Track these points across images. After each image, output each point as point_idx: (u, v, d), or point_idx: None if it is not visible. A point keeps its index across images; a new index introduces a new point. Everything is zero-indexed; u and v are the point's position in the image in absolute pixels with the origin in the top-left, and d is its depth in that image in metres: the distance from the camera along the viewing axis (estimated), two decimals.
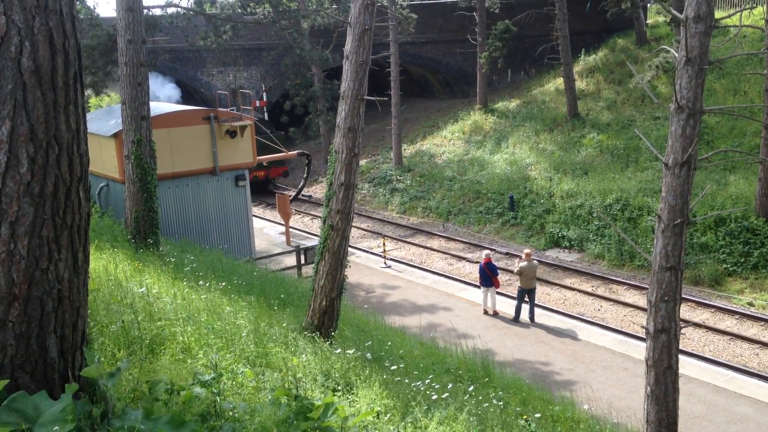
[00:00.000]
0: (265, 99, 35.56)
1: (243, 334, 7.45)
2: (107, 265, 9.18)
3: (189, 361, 5.82)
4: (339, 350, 8.47)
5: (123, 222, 15.61)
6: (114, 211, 17.46)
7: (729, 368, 14.49)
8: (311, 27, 33.98)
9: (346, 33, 10.75)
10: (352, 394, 6.37)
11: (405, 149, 34.43)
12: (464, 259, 22.99)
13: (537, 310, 17.68)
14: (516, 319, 16.96)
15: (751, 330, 16.64)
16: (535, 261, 17.55)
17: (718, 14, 8.34)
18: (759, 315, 17.24)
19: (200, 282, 10.89)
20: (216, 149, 19.12)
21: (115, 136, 17.24)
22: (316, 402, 3.96)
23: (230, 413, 3.97)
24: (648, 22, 37.48)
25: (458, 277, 21.19)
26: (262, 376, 5.83)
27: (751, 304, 17.83)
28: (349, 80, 10.86)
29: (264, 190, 32.87)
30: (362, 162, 34.95)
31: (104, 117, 20.17)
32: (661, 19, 36.91)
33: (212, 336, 6.87)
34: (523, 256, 17.16)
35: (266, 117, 33.86)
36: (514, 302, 17.47)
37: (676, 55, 7.94)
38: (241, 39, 33.88)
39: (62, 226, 3.27)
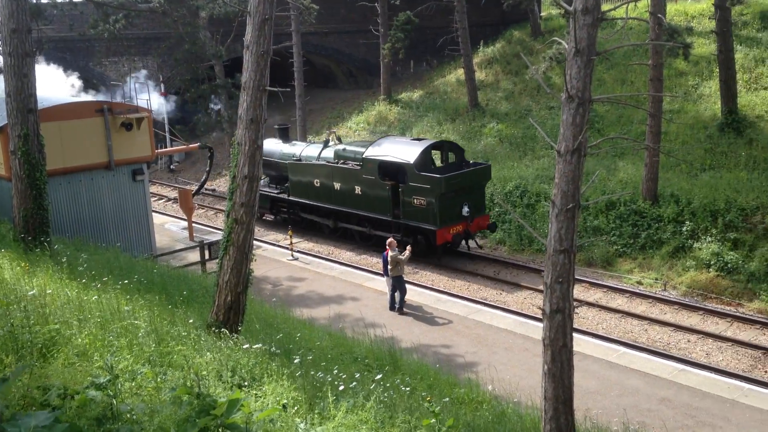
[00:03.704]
0: (163, 90, 34.41)
1: (142, 334, 7.24)
2: None
3: (84, 364, 5.60)
4: (246, 345, 8.37)
5: (10, 221, 14.75)
6: (0, 210, 16.46)
7: (620, 344, 15.35)
8: (210, 16, 33.11)
9: (246, 22, 10.56)
10: (260, 388, 6.33)
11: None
12: (372, 249, 23.16)
13: (443, 296, 18.14)
14: (401, 307, 17.08)
15: (640, 307, 17.67)
16: None
17: (605, 6, 8.76)
18: (647, 293, 18.35)
19: (97, 282, 10.46)
20: (111, 143, 18.35)
21: (0, 130, 16.24)
22: (220, 399, 3.91)
23: (128, 415, 3.85)
24: (542, 14, 38.85)
25: (366, 267, 21.34)
26: (163, 375, 5.69)
27: (639, 283, 18.92)
28: (250, 71, 10.68)
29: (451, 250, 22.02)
30: None
31: None
32: (554, 11, 38.38)
33: (110, 337, 6.63)
34: (391, 244, 17.31)
35: (164, 108, 32.76)
36: (421, 290, 17.79)
37: (567, 46, 8.29)
38: (135, 28, 32.58)
39: None
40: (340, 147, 23.30)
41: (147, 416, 3.88)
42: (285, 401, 5.63)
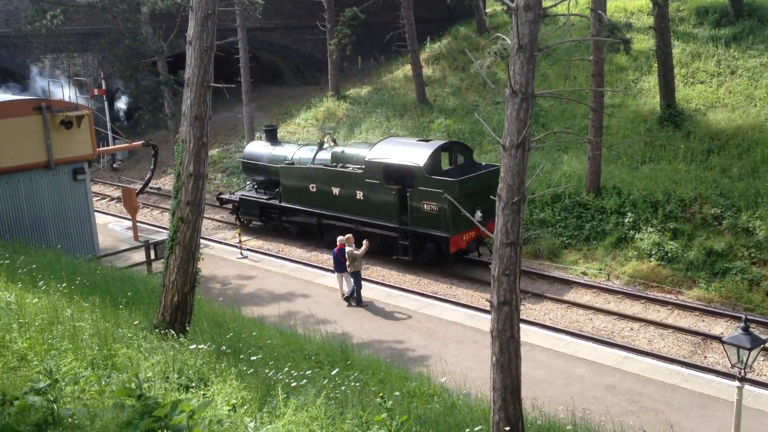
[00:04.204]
0: (103, 87, 33.55)
1: (85, 337, 7.06)
2: None
3: (24, 369, 5.44)
4: (193, 346, 8.25)
5: None
6: None
7: (567, 334, 15.70)
8: (152, 12, 32.41)
9: (189, 18, 10.39)
10: (207, 389, 6.24)
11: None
12: (322, 245, 23.09)
13: (394, 291, 18.28)
14: (360, 302, 17.22)
15: (586, 297, 18.10)
16: None
17: (547, 3, 8.93)
18: (591, 283, 18.80)
19: (37, 285, 10.15)
20: (50, 141, 17.80)
21: None
22: (163, 401, 3.85)
23: (69, 420, 3.76)
24: (487, 11, 39.29)
25: (316, 264, 21.28)
26: (107, 379, 5.57)
27: (584, 274, 19.37)
28: (193, 67, 10.51)
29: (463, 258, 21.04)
30: (214, 151, 34.02)
31: None
32: (499, 7, 38.87)
33: (51, 341, 6.45)
34: (349, 240, 17.42)
35: (105, 106, 31.97)
36: (372, 285, 17.85)
37: (510, 42, 8.41)
38: (74, 23, 31.62)
39: None
40: (338, 149, 21.96)
41: (89, 420, 3.79)
42: (234, 401, 5.58)
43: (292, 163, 22.84)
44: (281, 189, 23.03)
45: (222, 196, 26.02)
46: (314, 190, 21.82)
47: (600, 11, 20.41)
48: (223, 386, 6.08)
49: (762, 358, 14.29)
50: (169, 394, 5.29)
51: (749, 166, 21.29)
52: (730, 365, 8.67)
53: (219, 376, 6.49)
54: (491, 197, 19.22)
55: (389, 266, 20.73)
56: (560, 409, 11.10)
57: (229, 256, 21.32)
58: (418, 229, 19.46)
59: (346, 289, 17.73)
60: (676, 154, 23.08)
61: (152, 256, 19.33)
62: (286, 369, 8.19)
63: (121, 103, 34.32)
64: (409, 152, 19.70)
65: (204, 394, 5.84)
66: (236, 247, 21.88)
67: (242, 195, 24.79)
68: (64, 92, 26.36)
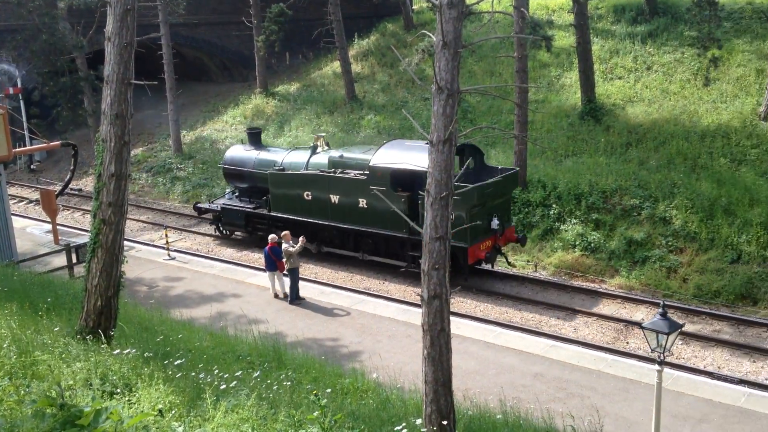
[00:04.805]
0: (19, 85, 32.08)
1: (4, 346, 6.77)
2: None
3: None
4: (118, 351, 8.02)
5: None
6: None
7: (497, 325, 16.04)
8: (69, 7, 31.20)
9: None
10: (134, 395, 6.08)
11: (184, 136, 33.14)
12: (253, 244, 22.81)
13: (327, 288, 18.25)
14: (298, 299, 17.18)
15: (515, 289, 18.53)
16: None
17: (470, 0, 9.07)
18: (519, 274, 19.27)
19: None
20: None
21: None
22: (86, 409, 3.73)
23: None
24: (414, 7, 39.59)
25: (247, 263, 21.00)
26: (27, 388, 5.35)
27: (512, 265, 19.81)
28: (113, 63, 10.19)
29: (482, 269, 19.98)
30: (137, 150, 33.08)
31: None
32: (425, 4, 39.22)
33: None
34: (286, 237, 17.37)
35: (22, 105, 30.59)
36: (304, 283, 17.76)
37: (435, 39, 8.51)
38: None
39: None
40: (336, 154, 20.17)
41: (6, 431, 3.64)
42: (161, 406, 5.45)
43: (283, 169, 20.96)
44: (270, 197, 21.12)
45: (200, 206, 23.98)
46: (309, 198, 19.99)
47: (523, 9, 20.88)
48: (149, 391, 5.93)
49: (680, 342, 14.98)
50: (92, 402, 5.12)
51: (665, 158, 22.25)
52: (650, 350, 9.04)
53: (145, 381, 6.33)
54: (505, 203, 18.50)
55: (322, 263, 20.67)
56: (491, 398, 11.35)
57: (155, 258, 20.79)
58: None
59: (278, 288, 17.59)
60: (597, 148, 23.88)
61: (74, 260, 18.66)
62: (217, 371, 8.07)
63: (38, 101, 32.91)
64: (420, 156, 17.57)
65: (129, 400, 5.69)
66: (163, 248, 21.35)
67: (224, 204, 22.83)
68: None
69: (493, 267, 18.99)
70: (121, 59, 10.08)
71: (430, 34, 9.59)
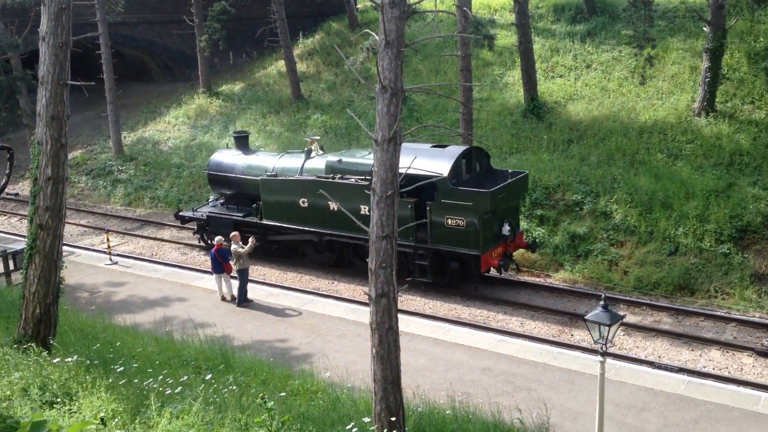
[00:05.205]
0: None
1: None
2: None
3: None
4: (58, 359, 7.79)
5: None
6: None
7: (446, 321, 16.20)
8: (2, 5, 30.10)
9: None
10: (74, 403, 5.92)
11: (125, 137, 32.37)
12: (198, 247, 22.45)
13: (275, 290, 18.13)
14: (246, 301, 17.03)
15: (463, 286, 18.71)
16: None
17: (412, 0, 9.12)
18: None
19: None
20: None
21: None
22: (24, 420, 3.60)
23: None
24: (359, 6, 39.58)
25: (193, 266, 20.66)
26: None
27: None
28: (48, 64, 9.92)
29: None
30: (76, 153, 32.18)
31: None
32: (369, 3, 39.25)
33: None
34: (235, 237, 17.21)
35: None
36: (252, 285, 17.58)
37: (378, 39, 8.54)
38: None
39: None
40: (333, 158, 19.13)
41: None
42: (103, 414, 5.32)
43: (275, 175, 19.85)
44: (262, 204, 20.10)
45: (182, 214, 22.33)
46: (305, 205, 19.03)
47: (465, 8, 21.12)
48: (90, 399, 5.78)
49: (622, 333, 15.41)
50: (31, 413, 4.96)
51: (605, 154, 22.81)
52: (593, 341, 9.27)
53: (86, 389, 6.16)
54: (515, 208, 18.02)
55: (270, 264, 20.49)
56: (441, 394, 11.46)
57: (97, 263, 20.26)
58: (441, 247, 17.24)
59: (226, 291, 17.37)
60: (540, 145, 24.33)
61: (11, 267, 18.03)
62: (162, 377, 7.91)
63: None
64: (426, 160, 16.80)
65: (70, 409, 5.53)
66: (105, 252, 20.83)
67: (211, 212, 21.52)
68: None
69: (501, 273, 18.50)
70: (56, 59, 9.82)
71: (374, 34, 9.62)
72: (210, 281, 18.10)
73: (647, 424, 11.26)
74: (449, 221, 17.02)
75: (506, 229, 17.39)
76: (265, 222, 20.12)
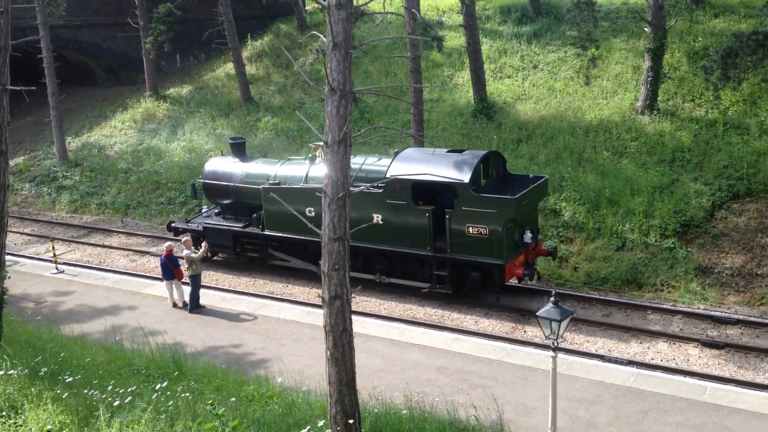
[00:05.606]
0: None
1: None
2: None
3: None
4: (2, 372, 7.54)
5: None
6: None
7: (401, 322, 16.25)
8: None
9: None
10: (19, 416, 5.74)
11: (70, 142, 31.56)
12: (148, 253, 22.03)
13: (228, 295, 17.94)
14: (198, 307, 16.83)
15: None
16: None
17: (360, 1, 9.13)
18: None
19: None
20: None
21: None
22: None
23: None
24: (307, 8, 39.44)
25: (143, 273, 20.26)
26: None
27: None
28: None
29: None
30: (18, 159, 31.23)
31: None
32: (318, 5, 39.11)
33: None
34: (187, 243, 17.03)
35: None
36: (204, 291, 17.35)
37: (325, 41, 8.52)
38: None
39: None
40: None
41: None
42: (50, 427, 5.18)
43: (278, 183, 18.97)
44: (264, 215, 19.14)
45: (176, 225, 21.10)
46: (312, 215, 17.95)
47: (414, 10, 21.23)
48: (37, 412, 5.62)
49: (573, 328, 15.71)
50: None
51: (554, 152, 23.24)
52: (545, 337, 9.43)
53: (32, 401, 5.99)
54: (534, 215, 17.38)
55: (222, 269, 20.24)
56: (397, 394, 11.50)
57: (42, 272, 19.69)
58: (461, 256, 16.51)
59: (177, 297, 17.10)
60: (491, 145, 24.61)
61: None
62: (111, 387, 7.74)
63: None
64: (445, 166, 16.46)
65: (15, 422, 5.37)
66: (50, 261, 20.26)
67: (207, 223, 20.41)
68: None
69: (519, 282, 17.84)
70: None
71: (322, 36, 9.59)
72: (161, 288, 17.78)
73: (599, 416, 11.51)
74: (470, 229, 16.29)
75: (528, 236, 16.83)
76: (267, 233, 19.24)
